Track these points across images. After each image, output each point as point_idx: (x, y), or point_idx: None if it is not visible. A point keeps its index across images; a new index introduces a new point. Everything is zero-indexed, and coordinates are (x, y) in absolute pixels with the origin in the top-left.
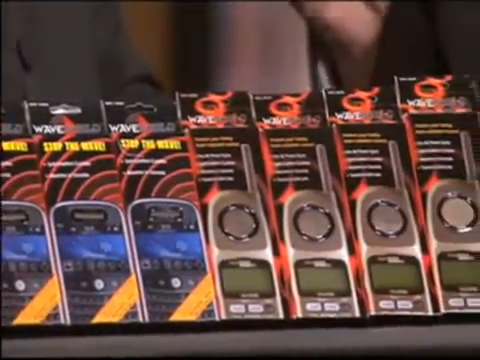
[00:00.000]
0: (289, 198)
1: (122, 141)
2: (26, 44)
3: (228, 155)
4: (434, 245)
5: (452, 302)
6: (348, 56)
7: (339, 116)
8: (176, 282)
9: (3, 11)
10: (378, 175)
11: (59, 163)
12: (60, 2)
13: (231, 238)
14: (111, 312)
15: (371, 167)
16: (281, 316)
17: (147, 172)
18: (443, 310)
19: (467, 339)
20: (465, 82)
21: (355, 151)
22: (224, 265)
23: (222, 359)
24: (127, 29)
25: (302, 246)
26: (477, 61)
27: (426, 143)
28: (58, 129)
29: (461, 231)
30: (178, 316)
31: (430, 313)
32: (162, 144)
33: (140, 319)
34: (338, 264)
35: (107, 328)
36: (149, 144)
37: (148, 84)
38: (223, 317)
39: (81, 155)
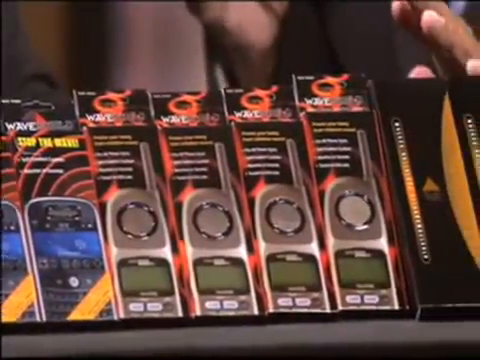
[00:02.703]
0: (188, 196)
1: (19, 139)
2: None
3: (127, 153)
4: (332, 243)
5: (349, 299)
6: (246, 60)
7: (238, 114)
8: (74, 281)
9: None
10: (276, 173)
11: None
12: None
13: (130, 237)
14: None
15: (269, 165)
16: (180, 314)
17: (44, 170)
18: (340, 307)
19: (363, 336)
20: (362, 81)
21: (254, 149)
22: (123, 264)
23: (121, 358)
24: (25, 28)
25: (201, 244)
26: (366, 61)
27: (323, 141)
28: None
29: (358, 229)
30: (76, 315)
31: (328, 310)
32: (60, 142)
33: (37, 319)
34: (237, 262)
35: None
36: (46, 142)
37: (45, 83)
38: (122, 316)
39: None
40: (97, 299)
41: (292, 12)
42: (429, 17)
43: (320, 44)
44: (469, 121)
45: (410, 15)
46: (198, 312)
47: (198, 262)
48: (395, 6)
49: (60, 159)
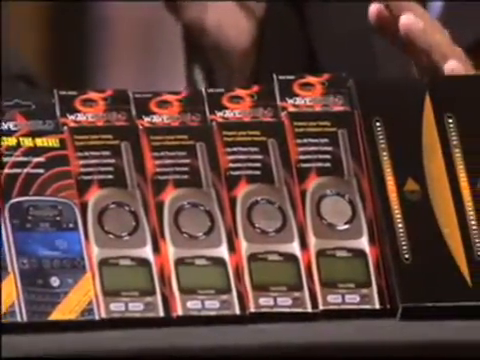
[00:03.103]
0: (170, 196)
1: None
2: None
3: (108, 153)
4: (313, 242)
5: (330, 298)
6: (225, 60)
7: (219, 114)
8: (55, 281)
9: None
10: (257, 173)
11: None
12: None
13: (111, 236)
14: None
15: (251, 165)
16: (162, 314)
17: (25, 170)
18: (321, 306)
19: (345, 335)
20: (343, 81)
21: (235, 149)
22: (104, 263)
23: (102, 358)
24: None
25: (182, 244)
26: (346, 61)
27: (305, 141)
28: None
29: (339, 228)
30: (57, 315)
31: (309, 310)
32: (40, 142)
33: (18, 318)
34: (218, 261)
35: None
36: (27, 142)
37: (25, 83)
38: (103, 316)
39: None
40: (78, 299)
41: (271, 12)
42: (407, 20)
43: (299, 44)
44: (450, 120)
45: (387, 20)
46: (179, 312)
47: (179, 262)
48: (372, 11)
49: (41, 159)
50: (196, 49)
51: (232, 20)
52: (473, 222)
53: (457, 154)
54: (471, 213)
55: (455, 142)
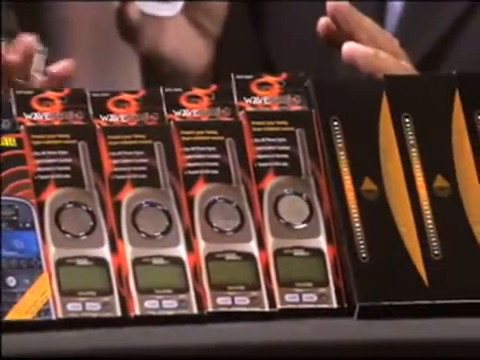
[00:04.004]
0: (127, 195)
1: None
2: None
3: (65, 152)
4: (270, 241)
5: (288, 298)
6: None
7: (177, 113)
8: (12, 281)
9: None
10: (215, 172)
11: None
12: None
13: (68, 236)
14: None
15: (209, 164)
16: (119, 314)
17: None
18: (279, 306)
19: (302, 334)
20: (300, 80)
21: (193, 148)
22: (61, 263)
23: (59, 358)
24: None
25: (140, 243)
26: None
27: (263, 140)
28: None
29: (297, 227)
30: (13, 315)
31: (266, 309)
32: None
33: None
34: (176, 261)
35: None
36: None
37: None
38: (60, 316)
39: None
40: (35, 299)
41: (228, 30)
42: (349, 48)
43: (258, 59)
44: (407, 120)
45: (335, 33)
46: (137, 311)
47: (137, 261)
48: (320, 25)
49: None
50: (154, 75)
51: (189, 44)
52: (429, 221)
53: (414, 154)
54: (428, 212)
55: (412, 142)
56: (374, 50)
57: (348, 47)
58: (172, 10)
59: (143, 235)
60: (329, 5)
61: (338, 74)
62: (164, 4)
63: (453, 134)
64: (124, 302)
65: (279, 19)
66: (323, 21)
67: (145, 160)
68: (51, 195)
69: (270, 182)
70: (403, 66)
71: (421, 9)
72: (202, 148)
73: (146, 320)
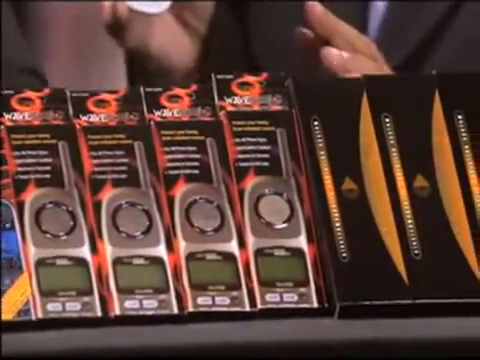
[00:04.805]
0: (107, 195)
1: None
2: None
3: (45, 152)
4: (251, 241)
5: (268, 297)
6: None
7: (157, 113)
8: None
9: None
10: (196, 172)
11: None
12: None
13: (48, 236)
14: None
15: (189, 164)
16: (99, 314)
17: None
18: (260, 305)
19: (283, 334)
20: (281, 80)
21: (173, 148)
22: (41, 263)
23: (39, 359)
24: None
25: (120, 243)
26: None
27: (243, 140)
28: None
29: (278, 227)
30: None
31: (247, 309)
32: None
33: None
34: (156, 261)
35: None
36: None
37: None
38: (40, 316)
39: None
40: (15, 299)
41: (213, 27)
42: (327, 54)
43: (244, 58)
44: (387, 120)
45: (313, 43)
46: (117, 311)
47: (117, 261)
48: (297, 34)
49: None
50: (140, 72)
51: (175, 42)
52: (410, 221)
53: (394, 153)
54: (408, 212)
55: (392, 141)
56: (351, 54)
57: (325, 52)
58: (160, 8)
59: (123, 235)
60: (306, 5)
61: (322, 74)
62: (152, 2)
63: (433, 134)
64: (104, 302)
65: (263, 19)
66: (299, 31)
67: (125, 160)
68: (31, 195)
69: (251, 182)
70: (381, 69)
71: (404, 9)
72: (182, 148)
73: (126, 320)
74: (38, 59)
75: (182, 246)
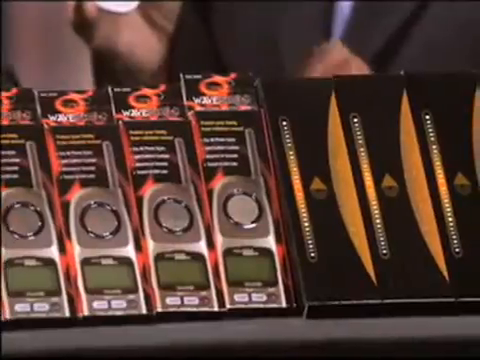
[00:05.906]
0: (76, 195)
1: None
2: None
3: (13, 152)
4: (220, 241)
5: (237, 297)
6: (135, 81)
7: (125, 113)
8: None
9: None
10: (165, 172)
11: None
12: None
13: (16, 236)
14: None
15: (158, 164)
16: (67, 314)
17: None
18: (228, 305)
19: (251, 334)
20: (249, 80)
21: (142, 148)
22: (9, 264)
23: (7, 359)
24: None
25: (89, 244)
26: (255, 68)
27: (212, 140)
28: None
29: (246, 227)
30: None
31: (216, 309)
32: None
33: None
34: (125, 261)
35: None
36: None
37: None
38: (7, 317)
39: None
40: None
41: (180, 26)
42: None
43: (210, 58)
44: (355, 120)
45: None
46: (86, 312)
47: (85, 262)
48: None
49: None
50: (106, 71)
51: (143, 41)
52: (378, 220)
53: (362, 153)
54: (376, 212)
55: (360, 141)
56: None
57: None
58: (127, 7)
59: (92, 235)
60: None
61: (287, 73)
62: (119, 1)
63: (401, 134)
64: (73, 303)
65: (226, 18)
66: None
67: (94, 160)
68: None
69: (219, 182)
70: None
71: (369, 10)
72: (151, 148)
73: (95, 321)
74: (6, 58)
75: (151, 246)
